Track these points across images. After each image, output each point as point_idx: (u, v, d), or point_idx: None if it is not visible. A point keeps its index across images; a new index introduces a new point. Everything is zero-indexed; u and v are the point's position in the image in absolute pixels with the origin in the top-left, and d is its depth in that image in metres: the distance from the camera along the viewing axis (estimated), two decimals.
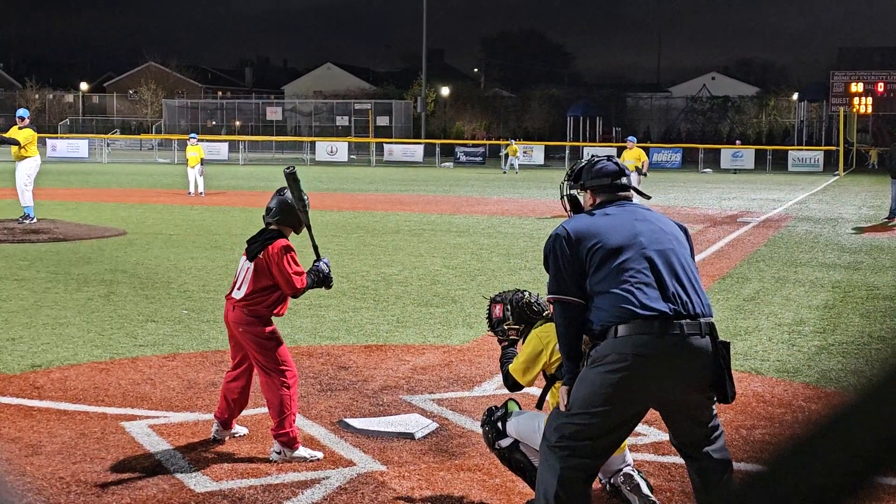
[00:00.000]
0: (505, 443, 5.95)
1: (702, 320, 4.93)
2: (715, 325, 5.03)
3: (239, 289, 7.01)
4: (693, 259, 5.29)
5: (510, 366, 6.02)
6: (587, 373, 4.97)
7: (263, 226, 7.45)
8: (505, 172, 57.57)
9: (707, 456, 5.10)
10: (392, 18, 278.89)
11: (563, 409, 5.06)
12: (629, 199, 5.44)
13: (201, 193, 33.43)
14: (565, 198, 5.64)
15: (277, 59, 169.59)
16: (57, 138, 74.90)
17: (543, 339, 5.84)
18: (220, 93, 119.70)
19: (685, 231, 5.45)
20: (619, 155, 33.08)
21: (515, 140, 67.85)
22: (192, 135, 36.82)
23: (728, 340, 5.10)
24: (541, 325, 6.02)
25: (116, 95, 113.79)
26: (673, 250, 5.11)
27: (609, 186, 5.41)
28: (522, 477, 6.02)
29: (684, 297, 4.93)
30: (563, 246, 5.14)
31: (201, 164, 33.96)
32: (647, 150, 70.06)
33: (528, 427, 5.85)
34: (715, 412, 5.15)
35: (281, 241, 7.14)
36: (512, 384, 6.00)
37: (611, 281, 4.98)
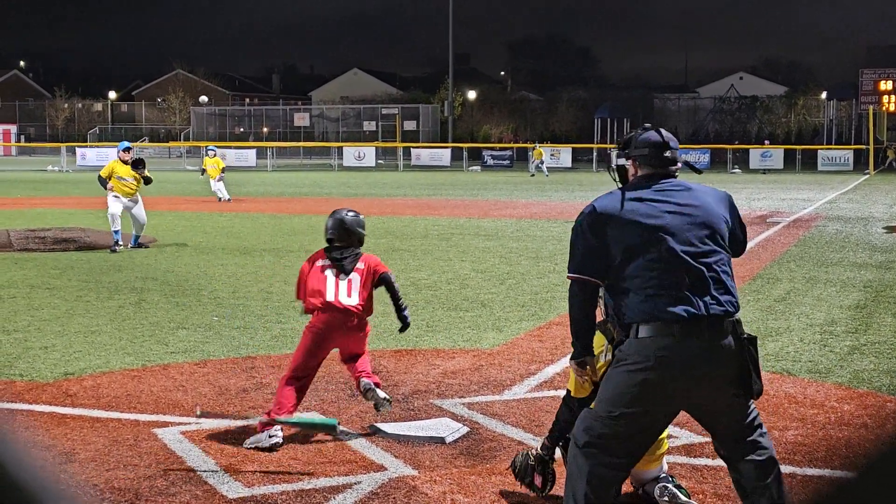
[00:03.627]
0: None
1: (725, 320, 4.83)
2: (739, 322, 4.94)
3: (350, 296, 7.75)
4: (735, 236, 5.17)
5: (571, 388, 6.08)
6: (612, 372, 4.98)
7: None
8: (532, 175, 57.54)
9: (748, 458, 5.03)
10: (418, 23, 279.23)
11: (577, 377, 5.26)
12: (671, 174, 5.21)
13: (228, 200, 33.94)
14: (613, 169, 5.48)
15: (304, 66, 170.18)
16: (86, 147, 75.37)
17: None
18: (247, 100, 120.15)
19: (728, 201, 5.27)
20: None
21: (540, 143, 67.80)
22: (211, 147, 37.46)
23: (755, 335, 5.00)
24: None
25: (145, 103, 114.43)
26: (699, 245, 4.94)
27: (651, 157, 5.20)
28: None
29: (707, 298, 4.82)
30: (588, 226, 5.12)
31: (223, 173, 34.52)
32: None
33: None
34: (752, 410, 5.06)
35: (373, 258, 8.15)
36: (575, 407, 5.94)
37: (634, 279, 4.92)
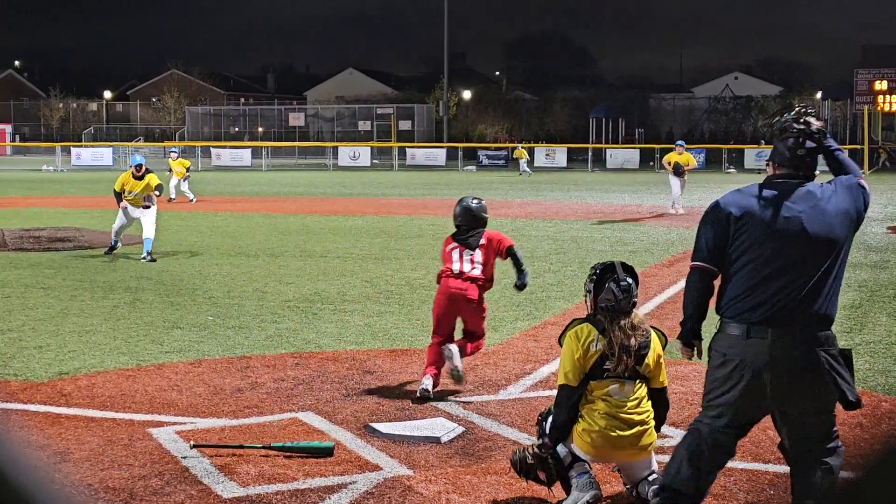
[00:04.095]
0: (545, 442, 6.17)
1: (803, 330, 5.06)
2: (828, 336, 5.12)
3: (473, 268, 8.88)
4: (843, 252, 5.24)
5: (559, 381, 6.16)
6: (709, 358, 5.40)
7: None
8: (521, 174, 57.69)
9: (806, 465, 5.30)
10: (413, 23, 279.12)
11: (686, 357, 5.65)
12: (807, 176, 5.32)
13: (192, 199, 33.80)
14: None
15: (299, 65, 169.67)
16: (81, 147, 75.30)
17: (576, 335, 6.07)
18: (242, 99, 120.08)
19: (855, 201, 5.29)
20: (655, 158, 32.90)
21: (535, 143, 67.89)
22: (174, 149, 37.12)
23: (848, 349, 5.22)
24: (577, 324, 6.15)
25: (140, 103, 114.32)
26: (806, 256, 5.12)
27: (787, 159, 5.34)
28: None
29: (791, 307, 5.06)
30: (710, 219, 5.38)
31: (188, 171, 34.51)
32: (669, 151, 69.96)
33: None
34: (828, 425, 5.27)
35: (495, 233, 9.27)
36: (561, 393, 6.09)
37: (735, 274, 5.23)
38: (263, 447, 7.09)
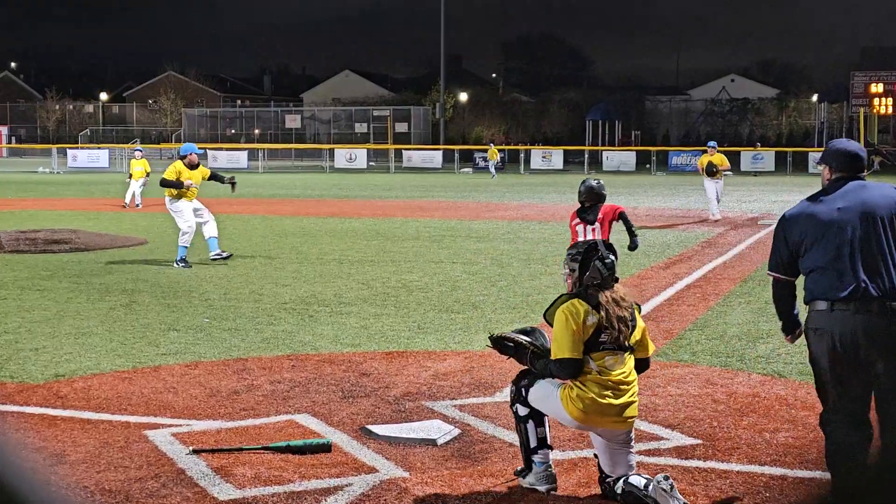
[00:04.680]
0: (522, 411, 6.46)
1: (878, 301, 5.75)
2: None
3: (594, 232, 11.23)
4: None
5: (553, 354, 6.34)
6: (807, 339, 6.06)
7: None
8: (493, 177, 57.96)
9: (887, 408, 5.85)
10: (410, 25, 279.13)
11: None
12: (858, 178, 6.04)
13: (138, 205, 32.84)
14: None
15: (296, 67, 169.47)
16: (77, 148, 75.25)
17: (569, 310, 6.26)
18: (238, 101, 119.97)
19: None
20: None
21: (532, 145, 68.00)
22: (138, 148, 36.19)
23: None
24: (566, 300, 6.38)
25: (136, 105, 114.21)
26: (860, 239, 5.84)
27: (841, 163, 6.08)
28: (521, 446, 6.53)
29: (861, 283, 5.76)
30: (779, 232, 6.17)
31: (146, 177, 33.37)
32: (665, 153, 70.08)
33: (542, 392, 6.37)
34: None
35: (608, 205, 11.66)
36: (566, 368, 6.26)
37: (808, 266, 5.98)
38: (261, 448, 7.10)
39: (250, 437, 7.51)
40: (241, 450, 7.11)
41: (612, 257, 6.47)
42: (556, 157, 70.18)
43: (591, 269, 6.36)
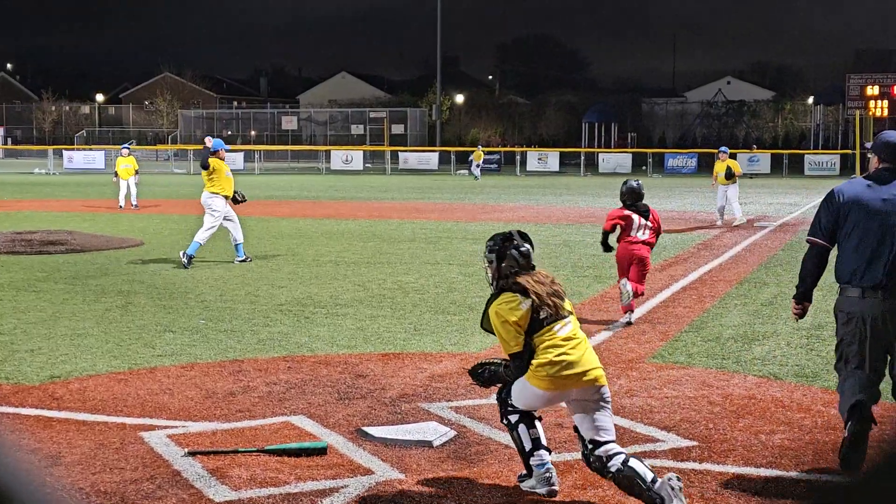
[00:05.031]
0: (511, 419, 6.49)
1: None
2: None
3: (644, 234, 12.50)
4: None
5: (505, 354, 6.53)
6: (836, 318, 6.96)
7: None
8: (476, 178, 58.00)
9: None
10: (407, 26, 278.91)
11: (793, 316, 7.32)
12: None
13: (135, 205, 32.53)
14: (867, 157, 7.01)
15: (292, 69, 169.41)
16: (73, 150, 75.21)
17: (501, 308, 6.41)
18: (235, 102, 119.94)
19: None
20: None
21: (528, 147, 68.09)
22: (125, 145, 35.11)
23: None
24: (493, 300, 6.53)
25: (132, 106, 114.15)
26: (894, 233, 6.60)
27: (888, 154, 6.78)
28: (519, 453, 6.54)
29: (890, 273, 6.57)
30: (828, 202, 6.89)
31: (136, 175, 33.09)
32: (661, 155, 70.11)
33: (517, 388, 6.45)
34: None
35: (655, 210, 12.98)
36: (516, 360, 6.44)
37: (847, 245, 6.76)
38: (257, 451, 7.09)
39: (246, 438, 7.50)
40: (236, 452, 7.11)
41: (528, 245, 6.63)
42: (553, 158, 70.23)
43: (507, 259, 6.55)
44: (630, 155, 70.64)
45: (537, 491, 6.32)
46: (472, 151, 63.38)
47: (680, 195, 41.65)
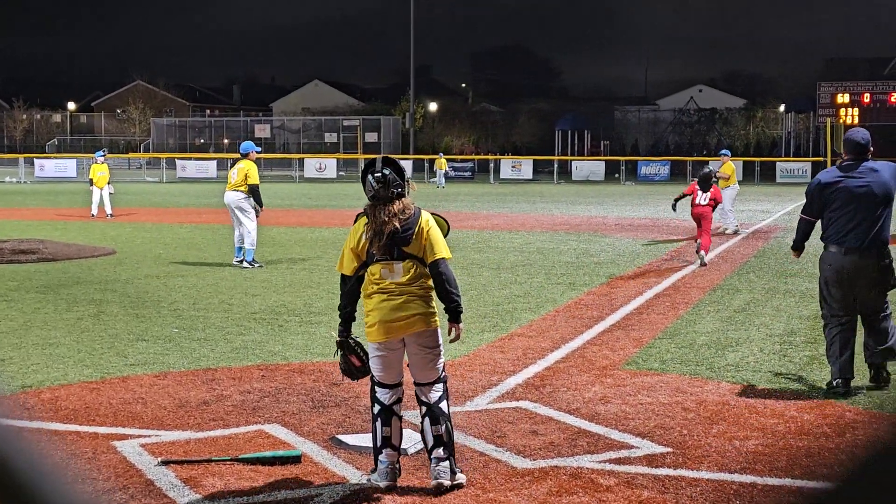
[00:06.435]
0: (374, 409, 6.76)
1: (873, 249, 9.00)
2: (881, 250, 9.07)
3: (704, 199, 18.76)
4: (889, 205, 9.05)
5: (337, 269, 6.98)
6: (819, 264, 9.48)
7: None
8: (439, 187, 58.21)
9: (870, 321, 9.30)
10: (379, 35, 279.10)
11: (794, 257, 10.29)
12: (864, 158, 9.07)
13: (110, 215, 31.93)
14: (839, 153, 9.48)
15: (265, 77, 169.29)
16: (45, 158, 74.76)
17: (356, 229, 6.76)
18: (208, 111, 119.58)
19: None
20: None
21: (501, 154, 68.27)
22: (99, 152, 34.22)
23: (889, 260, 9.16)
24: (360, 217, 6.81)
25: (104, 115, 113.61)
26: (876, 206, 8.92)
27: (849, 147, 9.17)
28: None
29: (862, 235, 8.95)
30: (814, 188, 9.32)
31: (109, 184, 32.38)
32: (635, 163, 70.36)
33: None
34: (883, 299, 9.24)
35: (716, 189, 19.25)
36: (342, 282, 6.91)
37: (829, 217, 9.13)
38: (231, 460, 7.06)
39: (220, 447, 7.47)
40: (210, 461, 7.07)
41: (387, 171, 6.60)
42: (526, 166, 70.34)
43: (366, 185, 6.65)
44: (603, 163, 70.84)
45: (378, 483, 6.52)
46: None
47: (653, 202, 41.78)
